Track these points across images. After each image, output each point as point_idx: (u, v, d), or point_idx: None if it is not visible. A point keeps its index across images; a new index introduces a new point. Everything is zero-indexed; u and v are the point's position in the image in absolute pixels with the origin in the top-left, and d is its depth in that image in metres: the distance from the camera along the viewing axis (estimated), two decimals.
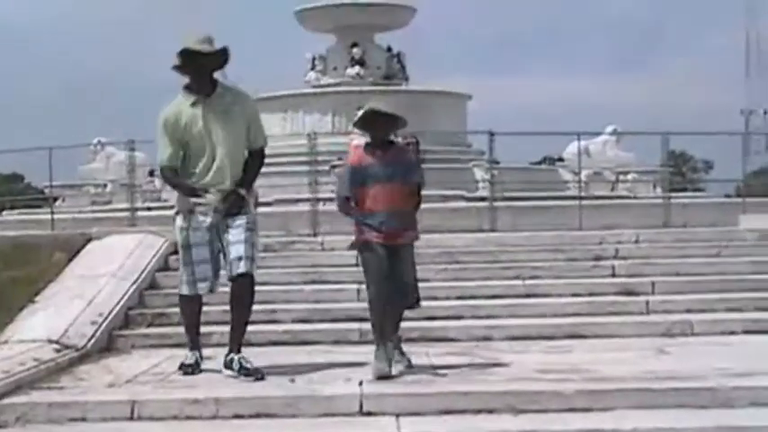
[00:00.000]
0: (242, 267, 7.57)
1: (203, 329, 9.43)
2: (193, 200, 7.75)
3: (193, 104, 7.73)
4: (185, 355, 8.05)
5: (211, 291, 7.95)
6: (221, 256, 7.80)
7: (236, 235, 7.65)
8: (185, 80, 7.84)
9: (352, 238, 7.80)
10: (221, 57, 7.75)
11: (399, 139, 8.33)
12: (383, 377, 7.25)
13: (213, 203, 7.70)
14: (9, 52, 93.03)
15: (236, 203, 7.71)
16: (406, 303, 7.78)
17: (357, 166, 7.73)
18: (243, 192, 7.74)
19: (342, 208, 7.83)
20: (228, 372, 7.61)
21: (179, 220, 7.87)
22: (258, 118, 8.05)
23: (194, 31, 7.73)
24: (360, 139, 8.52)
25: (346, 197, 7.73)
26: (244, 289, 7.64)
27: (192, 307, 8.09)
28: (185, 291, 7.97)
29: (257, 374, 7.45)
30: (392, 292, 7.58)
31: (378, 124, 7.71)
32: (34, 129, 61.99)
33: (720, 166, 54.45)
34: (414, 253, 7.83)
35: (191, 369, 7.86)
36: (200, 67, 7.70)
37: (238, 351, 7.67)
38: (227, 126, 7.72)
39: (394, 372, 7.42)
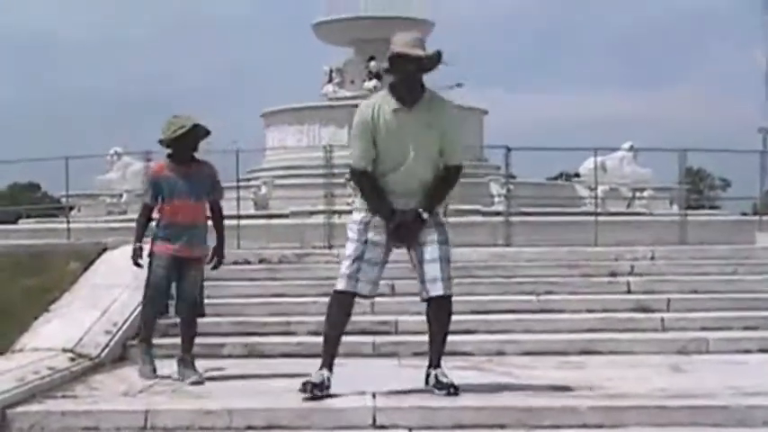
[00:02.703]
0: (440, 290, 7.24)
1: (214, 341, 9.48)
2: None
3: (396, 111, 7.18)
4: (314, 373, 7.18)
5: (369, 296, 7.39)
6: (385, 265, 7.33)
7: (430, 252, 7.25)
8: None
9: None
10: (430, 62, 7.25)
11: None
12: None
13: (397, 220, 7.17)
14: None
15: (415, 229, 7.21)
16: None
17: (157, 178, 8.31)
18: (425, 216, 7.21)
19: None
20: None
21: (360, 215, 7.29)
22: (457, 133, 7.47)
23: (405, 34, 7.40)
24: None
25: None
26: (443, 310, 7.34)
27: (342, 308, 7.24)
28: (341, 285, 7.20)
29: (451, 388, 7.12)
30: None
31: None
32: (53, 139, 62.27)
33: (737, 184, 54.11)
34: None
35: (318, 390, 7.04)
36: (408, 73, 7.20)
37: (437, 366, 7.32)
38: (425, 140, 7.19)
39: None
